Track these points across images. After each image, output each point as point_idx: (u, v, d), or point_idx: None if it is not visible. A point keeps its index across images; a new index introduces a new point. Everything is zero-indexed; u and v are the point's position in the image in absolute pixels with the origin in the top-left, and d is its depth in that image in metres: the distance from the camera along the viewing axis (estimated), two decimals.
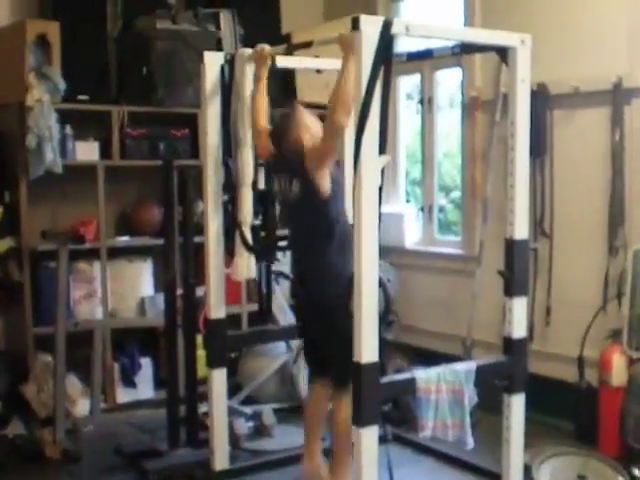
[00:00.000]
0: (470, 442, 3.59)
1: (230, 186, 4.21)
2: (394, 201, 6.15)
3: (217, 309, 4.24)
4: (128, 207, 5.59)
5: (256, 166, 4.22)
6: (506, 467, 3.85)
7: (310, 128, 3.81)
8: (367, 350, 3.30)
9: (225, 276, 4.35)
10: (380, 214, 3.40)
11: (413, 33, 3.39)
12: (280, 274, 5.09)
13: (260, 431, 4.80)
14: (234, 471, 4.29)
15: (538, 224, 5.04)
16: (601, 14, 4.74)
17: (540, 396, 4.86)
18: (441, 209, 6.28)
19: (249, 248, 4.17)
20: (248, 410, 4.92)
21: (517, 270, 3.73)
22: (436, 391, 3.51)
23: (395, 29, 3.26)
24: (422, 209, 5.97)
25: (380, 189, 3.36)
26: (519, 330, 3.77)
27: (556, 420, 4.90)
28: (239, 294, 5.66)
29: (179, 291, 4.54)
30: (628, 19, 4.61)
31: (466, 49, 3.95)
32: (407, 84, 6.24)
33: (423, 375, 3.51)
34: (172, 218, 4.50)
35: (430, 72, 5.86)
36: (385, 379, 3.43)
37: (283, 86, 5.72)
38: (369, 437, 3.33)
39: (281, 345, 5.29)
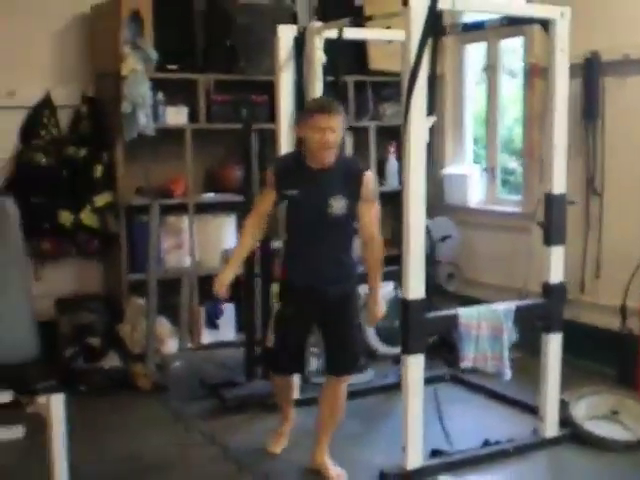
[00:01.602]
0: (508, 373, 4.02)
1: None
2: (460, 162, 6.56)
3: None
4: (214, 166, 6.14)
5: None
6: (543, 401, 4.26)
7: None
8: (414, 287, 3.75)
9: None
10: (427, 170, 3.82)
11: (459, 7, 3.80)
12: None
13: None
14: (303, 400, 4.78)
15: (589, 183, 5.39)
16: None
17: (587, 343, 5.28)
18: (512, 172, 6.64)
19: None
20: (317, 350, 5.42)
21: (555, 221, 4.12)
22: (477, 327, 3.95)
23: (442, 4, 3.67)
24: (486, 170, 6.35)
25: (429, 145, 3.80)
26: (556, 275, 4.16)
27: (601, 366, 5.24)
28: None
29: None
30: None
31: (513, 21, 4.32)
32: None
33: (465, 312, 3.95)
34: (250, 176, 5.01)
35: (495, 41, 6.19)
36: (430, 314, 3.88)
37: (356, 55, 6.17)
38: (416, 365, 3.81)
39: None
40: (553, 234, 4.12)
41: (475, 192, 6.37)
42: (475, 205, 6.36)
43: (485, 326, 3.97)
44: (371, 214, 3.78)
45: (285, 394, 4.23)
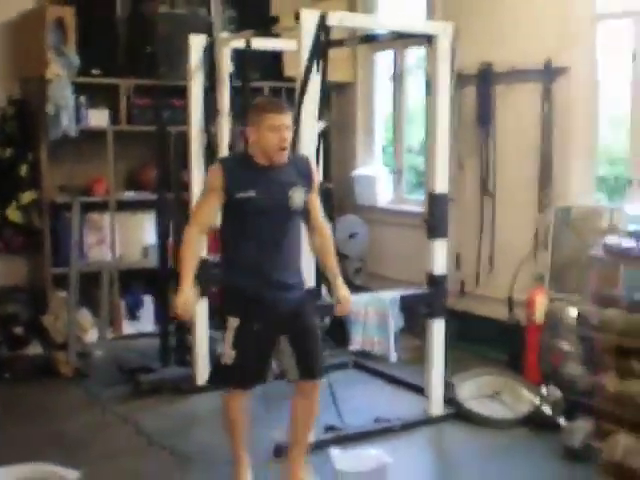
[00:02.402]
0: (393, 357, 4.43)
1: (210, 148, 5.06)
2: (370, 164, 6.98)
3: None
4: (134, 166, 6.48)
5: (233, 132, 5.06)
6: (429, 382, 4.68)
7: None
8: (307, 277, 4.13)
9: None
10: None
11: (346, 24, 4.20)
12: None
13: None
14: (212, 386, 5.14)
15: (483, 184, 5.83)
16: (537, 2, 5.50)
17: (481, 333, 5.72)
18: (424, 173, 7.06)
19: None
20: None
21: (437, 218, 4.54)
22: (364, 314, 4.35)
23: (331, 21, 4.07)
24: (394, 171, 6.77)
25: (317, 150, 4.18)
26: (439, 267, 4.58)
27: (493, 352, 5.67)
28: None
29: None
30: (557, 6, 5.35)
31: (402, 36, 4.74)
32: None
33: (354, 300, 4.33)
34: (165, 176, 5.36)
35: (401, 50, 6.61)
36: (320, 302, 4.26)
37: (272, 62, 6.53)
38: None
39: None
40: (436, 229, 4.54)
41: (383, 192, 6.78)
42: (383, 204, 6.77)
43: (372, 313, 4.38)
44: (318, 203, 3.75)
45: (239, 422, 3.85)
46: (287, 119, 3.55)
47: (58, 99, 5.80)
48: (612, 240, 4.63)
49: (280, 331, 3.68)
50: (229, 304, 3.68)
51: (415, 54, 6.74)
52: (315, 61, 4.06)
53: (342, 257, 6.18)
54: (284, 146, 3.53)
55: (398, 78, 6.69)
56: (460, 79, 5.85)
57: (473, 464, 4.27)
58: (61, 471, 3.88)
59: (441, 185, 4.54)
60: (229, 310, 3.64)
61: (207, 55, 5.05)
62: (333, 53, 5.67)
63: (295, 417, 3.89)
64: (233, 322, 3.60)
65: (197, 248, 3.70)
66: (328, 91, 4.35)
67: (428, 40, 4.54)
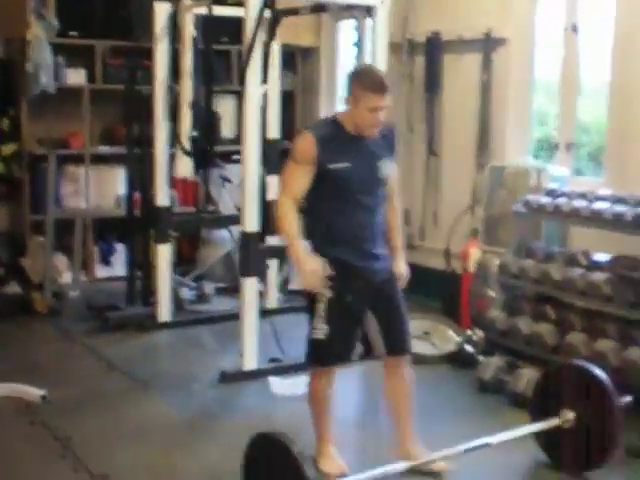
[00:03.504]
0: None
1: (174, 105, 5.54)
2: None
3: (162, 198, 5.60)
4: (109, 123, 6.94)
5: (197, 89, 5.53)
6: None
7: None
8: (250, 223, 4.64)
9: (179, 180, 5.74)
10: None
11: None
12: (225, 179, 6.45)
13: (201, 298, 6.18)
14: (173, 323, 5.68)
15: (429, 146, 6.31)
16: None
17: (424, 283, 6.19)
18: None
19: (186, 153, 5.51)
20: (191, 282, 6.31)
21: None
22: None
23: None
24: None
25: (263, 110, 4.66)
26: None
27: (433, 301, 6.14)
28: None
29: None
30: None
31: (346, 7, 5.20)
32: None
33: None
34: (132, 133, 5.84)
35: (362, 18, 7.01)
36: (264, 245, 4.76)
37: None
38: (251, 284, 4.73)
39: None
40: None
41: None
42: None
43: None
44: (396, 174, 3.73)
45: (329, 401, 3.74)
46: (387, 100, 3.44)
47: (37, 59, 6.25)
48: (532, 197, 5.12)
49: (370, 303, 3.58)
50: (327, 274, 3.47)
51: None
52: (260, 30, 4.53)
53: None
54: (378, 125, 3.48)
55: (360, 45, 7.10)
56: (411, 47, 6.32)
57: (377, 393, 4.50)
58: (29, 389, 4.44)
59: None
60: (323, 281, 3.46)
61: (171, 20, 5.51)
62: (298, 20, 6.20)
63: (393, 402, 3.79)
64: (326, 294, 3.48)
65: (296, 220, 3.45)
66: (268, 58, 4.78)
67: (366, 11, 4.99)
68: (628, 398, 4.12)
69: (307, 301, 3.60)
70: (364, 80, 3.45)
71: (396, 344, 3.68)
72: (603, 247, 4.83)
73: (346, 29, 7.36)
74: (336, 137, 3.47)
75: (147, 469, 3.74)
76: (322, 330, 3.51)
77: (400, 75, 6.47)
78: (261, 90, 4.63)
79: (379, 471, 3.32)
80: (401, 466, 3.44)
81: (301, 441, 3.51)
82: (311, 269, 3.39)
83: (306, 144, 3.44)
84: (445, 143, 6.26)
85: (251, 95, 4.57)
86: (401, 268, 3.73)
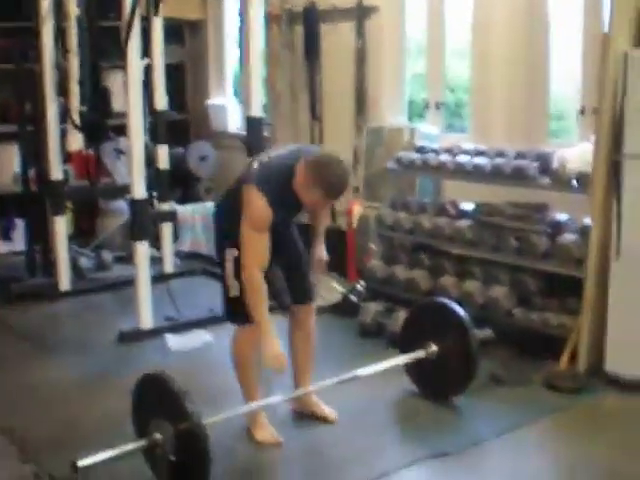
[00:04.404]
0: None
1: (63, 82, 5.77)
2: (222, 95, 7.75)
3: (56, 172, 5.85)
4: (2, 102, 7.10)
5: (83, 67, 5.76)
6: None
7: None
8: (138, 190, 4.93)
9: (76, 155, 5.98)
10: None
11: None
12: (119, 151, 6.68)
13: (101, 266, 6.45)
14: (74, 291, 5.95)
15: (312, 110, 6.65)
16: None
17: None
18: None
19: (76, 127, 5.76)
20: (89, 251, 6.57)
21: (254, 139, 5.34)
22: (192, 219, 5.17)
23: None
24: (242, 101, 7.53)
25: (145, 83, 4.94)
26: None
27: None
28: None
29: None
30: None
31: None
32: None
33: (181, 209, 5.16)
34: (23, 110, 6.05)
35: None
36: (153, 210, 5.06)
37: None
38: (142, 247, 5.05)
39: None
40: (253, 149, 5.34)
41: (233, 119, 7.57)
42: (233, 130, 7.56)
43: (199, 218, 5.19)
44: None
45: (252, 357, 3.75)
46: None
47: None
48: (403, 154, 5.52)
49: (274, 257, 3.64)
50: (227, 236, 3.67)
51: None
52: (139, 6, 4.81)
53: (194, 178, 6.99)
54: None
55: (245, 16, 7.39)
56: (290, 17, 6.64)
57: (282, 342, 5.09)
58: None
59: (255, 109, 5.33)
60: (227, 242, 3.65)
61: (55, 1, 5.72)
62: None
63: (298, 352, 3.98)
64: (232, 253, 3.62)
65: (266, 297, 3.56)
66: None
67: None
68: (488, 331, 4.59)
69: (218, 263, 3.79)
70: (325, 182, 3.45)
71: (302, 294, 3.90)
72: (472, 197, 5.23)
73: (231, 1, 7.65)
74: (285, 201, 3.53)
75: (47, 422, 4.03)
76: (235, 287, 3.63)
77: (281, 45, 6.79)
78: (142, 64, 4.90)
79: (259, 403, 3.69)
80: (278, 398, 3.80)
81: (194, 386, 3.87)
82: (275, 354, 3.50)
83: (263, 213, 3.46)
84: (326, 108, 6.60)
85: (132, 69, 4.84)
86: (321, 254, 4.04)
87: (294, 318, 3.97)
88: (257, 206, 3.46)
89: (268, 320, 3.55)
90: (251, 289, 3.52)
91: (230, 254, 3.62)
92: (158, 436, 3.24)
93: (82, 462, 3.08)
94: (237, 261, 3.59)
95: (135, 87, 4.87)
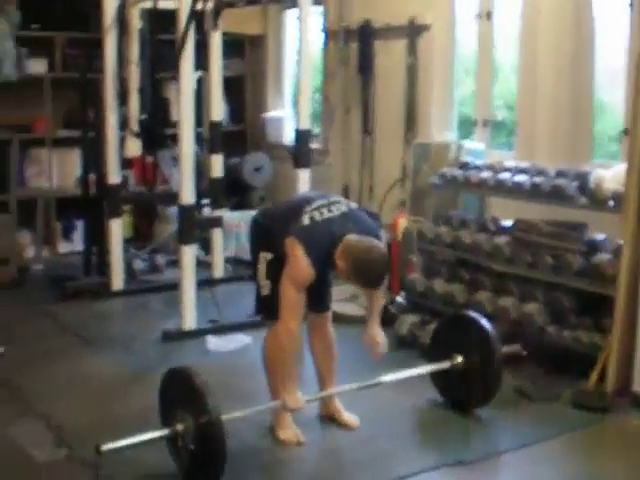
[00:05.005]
0: None
1: (124, 92, 6.04)
2: (279, 107, 7.96)
3: (113, 177, 6.11)
4: (70, 108, 7.41)
5: (145, 76, 6.02)
6: None
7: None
8: (186, 196, 5.14)
9: (136, 161, 6.25)
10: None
11: None
12: (176, 159, 6.91)
13: (153, 269, 6.69)
14: (126, 291, 6.20)
15: (364, 125, 6.81)
16: None
17: None
18: None
19: (134, 134, 6.01)
20: (145, 254, 6.82)
21: (301, 151, 5.50)
22: (237, 226, 5.36)
23: None
24: None
25: (197, 93, 5.15)
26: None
27: None
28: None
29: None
30: None
31: None
32: None
33: (227, 215, 5.35)
34: (86, 117, 6.34)
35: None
36: (200, 216, 5.26)
37: None
38: (189, 251, 5.25)
39: None
40: (300, 160, 5.51)
41: (289, 132, 7.75)
42: (288, 142, 7.74)
43: (243, 225, 5.37)
44: None
45: (281, 358, 3.80)
46: None
47: (0, 50, 6.75)
48: (447, 170, 5.63)
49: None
50: (262, 244, 3.89)
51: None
52: (192, 22, 5.03)
53: (249, 187, 7.20)
54: None
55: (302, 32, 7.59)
56: (347, 34, 6.82)
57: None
58: None
59: (304, 122, 5.50)
60: (261, 247, 3.88)
61: (119, 13, 5.99)
62: (246, 10, 6.73)
63: (316, 357, 4.15)
64: (265, 256, 3.84)
65: (295, 360, 3.83)
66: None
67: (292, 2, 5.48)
68: (517, 346, 4.66)
69: (252, 266, 3.98)
70: (363, 277, 3.66)
71: (318, 302, 4.01)
72: (515, 215, 5.27)
73: (291, 18, 7.86)
74: (326, 264, 3.67)
75: (84, 411, 4.24)
76: (266, 286, 3.83)
77: (337, 60, 6.97)
78: (194, 76, 5.11)
79: (278, 402, 3.82)
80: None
81: (227, 385, 4.20)
82: (296, 408, 3.75)
83: (306, 274, 3.62)
84: (378, 123, 6.76)
85: (184, 80, 5.06)
86: (374, 333, 4.04)
87: (311, 326, 4.11)
88: (301, 267, 3.62)
89: (293, 382, 3.76)
90: (286, 343, 3.71)
91: (263, 257, 3.84)
92: (180, 427, 3.41)
93: (106, 446, 3.26)
94: (269, 263, 3.82)
95: (187, 98, 5.07)
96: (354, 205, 3.92)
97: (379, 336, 4.04)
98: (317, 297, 3.95)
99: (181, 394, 3.50)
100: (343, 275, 3.68)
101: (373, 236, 3.75)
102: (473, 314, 4.44)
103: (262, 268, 3.86)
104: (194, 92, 5.15)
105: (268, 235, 3.84)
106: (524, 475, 3.78)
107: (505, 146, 6.30)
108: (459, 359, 4.24)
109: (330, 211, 3.77)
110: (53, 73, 7.19)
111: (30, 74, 7.09)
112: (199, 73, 5.17)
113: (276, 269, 3.76)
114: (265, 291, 3.86)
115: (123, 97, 6.04)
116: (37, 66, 7.15)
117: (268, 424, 3.99)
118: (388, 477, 3.64)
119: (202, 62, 5.28)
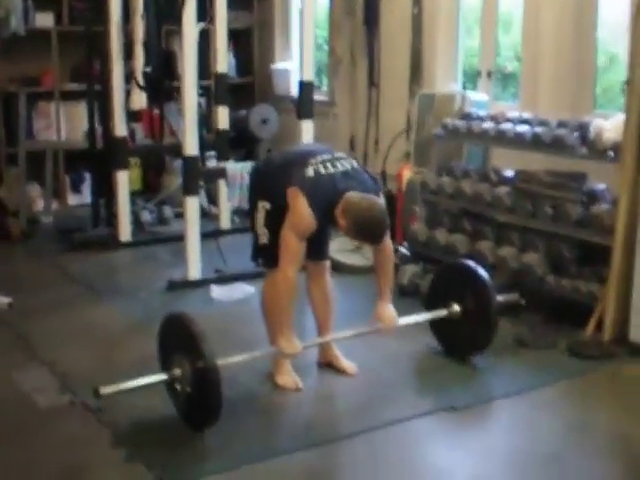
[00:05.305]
0: None
1: (129, 44, 6.07)
2: (286, 59, 7.96)
3: (119, 129, 6.16)
4: (77, 62, 7.44)
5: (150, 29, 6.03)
6: None
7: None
8: (190, 147, 5.19)
9: (144, 114, 6.29)
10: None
11: None
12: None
13: (161, 221, 6.77)
14: (133, 242, 6.28)
15: (370, 77, 6.81)
16: None
17: None
18: None
19: (139, 87, 6.04)
20: (153, 206, 6.89)
21: (304, 102, 5.53)
22: (240, 177, 5.41)
23: None
24: None
25: (202, 45, 5.17)
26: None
27: None
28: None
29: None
30: None
31: None
32: None
33: (231, 166, 5.40)
34: (92, 70, 6.38)
35: None
36: (204, 168, 5.32)
37: None
38: (192, 202, 5.31)
39: None
40: (303, 111, 5.54)
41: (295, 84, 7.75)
42: (295, 94, 7.73)
43: (247, 177, 5.41)
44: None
45: (279, 305, 3.83)
46: None
47: (8, 4, 6.78)
48: (449, 121, 5.64)
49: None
50: (260, 192, 3.92)
51: None
52: None
53: (256, 139, 7.24)
54: None
55: None
56: None
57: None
58: None
59: (307, 73, 5.52)
60: (260, 196, 3.89)
61: None
62: None
63: (314, 305, 4.19)
64: (263, 205, 3.86)
65: (292, 304, 3.84)
66: None
67: None
68: (515, 295, 4.70)
69: (248, 214, 4.07)
70: (362, 231, 3.69)
71: (315, 251, 4.00)
72: (518, 165, 5.28)
73: None
74: (327, 219, 3.70)
75: (89, 359, 4.34)
76: (264, 234, 3.87)
77: (343, 12, 6.95)
78: (197, 28, 5.13)
79: (273, 349, 3.90)
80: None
81: (228, 333, 4.29)
82: (292, 353, 3.79)
83: (309, 223, 3.66)
84: (383, 74, 6.75)
85: (187, 32, 5.08)
86: (383, 314, 3.99)
87: (309, 274, 4.15)
88: (304, 215, 3.65)
89: (290, 327, 3.79)
90: (283, 290, 3.74)
91: (262, 205, 3.86)
92: (178, 371, 3.49)
93: (104, 389, 3.36)
94: (267, 212, 3.84)
95: (189, 50, 5.10)
96: (357, 164, 3.93)
97: (388, 318, 4.00)
98: (316, 246, 3.97)
99: (178, 339, 3.58)
100: (343, 230, 3.71)
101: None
102: (469, 262, 4.48)
103: (260, 217, 3.88)
104: (199, 44, 5.16)
105: (269, 184, 3.86)
106: (518, 420, 3.84)
107: (516, 97, 6.28)
108: (456, 307, 4.30)
109: (334, 166, 3.78)
110: (60, 26, 7.20)
111: (37, 27, 7.11)
112: (202, 24, 5.18)
113: (274, 218, 3.79)
114: (263, 239, 3.90)
115: (128, 50, 6.05)
116: (44, 19, 7.17)
117: (268, 371, 4.07)
118: (383, 421, 3.71)
119: (207, 14, 5.28)
